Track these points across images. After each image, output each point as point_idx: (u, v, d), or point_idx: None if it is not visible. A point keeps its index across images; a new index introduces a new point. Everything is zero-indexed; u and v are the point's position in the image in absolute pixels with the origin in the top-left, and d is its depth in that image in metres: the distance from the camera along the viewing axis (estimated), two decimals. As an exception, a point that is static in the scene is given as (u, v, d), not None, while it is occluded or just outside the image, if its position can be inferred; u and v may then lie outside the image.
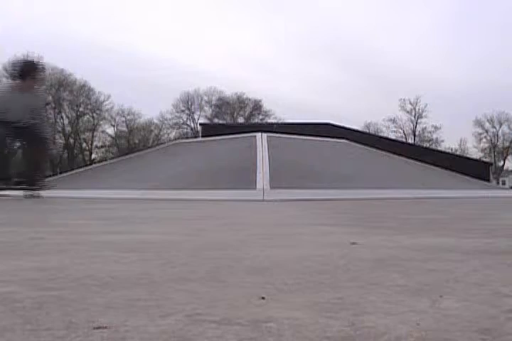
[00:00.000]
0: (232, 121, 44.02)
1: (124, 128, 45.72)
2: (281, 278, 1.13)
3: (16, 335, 0.71)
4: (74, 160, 42.24)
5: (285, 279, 1.12)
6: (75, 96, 42.34)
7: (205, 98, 47.23)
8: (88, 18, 62.17)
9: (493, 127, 49.94)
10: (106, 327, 0.74)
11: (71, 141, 43.27)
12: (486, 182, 15.86)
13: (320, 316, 0.80)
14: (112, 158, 29.44)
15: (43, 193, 8.16)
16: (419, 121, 47.51)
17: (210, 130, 23.90)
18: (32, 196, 8.00)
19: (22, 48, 51.30)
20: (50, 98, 41.06)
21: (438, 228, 2.74)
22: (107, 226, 2.88)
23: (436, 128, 47.17)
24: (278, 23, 70.29)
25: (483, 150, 49.81)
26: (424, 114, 47.26)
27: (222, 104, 47.32)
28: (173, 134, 45.85)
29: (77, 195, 8.82)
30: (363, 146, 13.38)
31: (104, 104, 43.54)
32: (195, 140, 20.43)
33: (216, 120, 45.21)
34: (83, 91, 42.49)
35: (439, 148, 39.43)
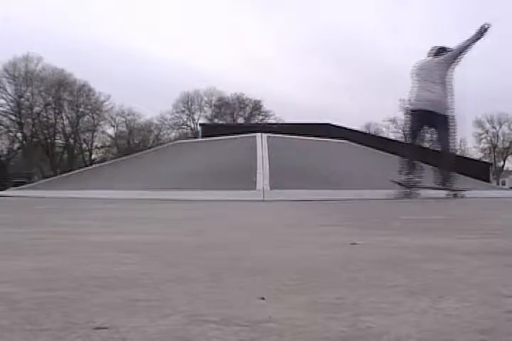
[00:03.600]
0: (232, 121, 44.02)
1: (124, 129, 45.74)
2: (281, 278, 1.13)
3: (15, 335, 0.71)
4: (74, 160, 42.26)
5: (285, 279, 1.12)
6: (74, 97, 42.34)
7: (205, 98, 47.23)
8: (88, 17, 62.22)
9: (493, 127, 49.91)
10: (106, 328, 0.74)
11: (71, 141, 43.29)
12: (486, 183, 15.84)
13: (320, 316, 0.80)
14: (112, 159, 29.43)
15: (461, 193, 7.96)
16: (419, 121, 47.46)
17: (210, 130, 23.87)
18: (454, 196, 7.87)
19: (21, 47, 51.35)
20: (50, 98, 41.07)
21: (438, 228, 2.74)
22: (107, 226, 2.88)
23: (436, 128, 47.13)
24: (278, 23, 70.27)
25: (483, 150, 49.77)
26: (424, 114, 47.18)
27: (222, 105, 47.30)
28: (173, 134, 45.85)
29: (77, 195, 8.82)
30: (363, 146, 13.37)
31: (104, 104, 43.55)
32: (195, 140, 20.43)
33: (216, 120, 45.20)
34: (83, 92, 42.50)
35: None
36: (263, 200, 7.04)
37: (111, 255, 1.56)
